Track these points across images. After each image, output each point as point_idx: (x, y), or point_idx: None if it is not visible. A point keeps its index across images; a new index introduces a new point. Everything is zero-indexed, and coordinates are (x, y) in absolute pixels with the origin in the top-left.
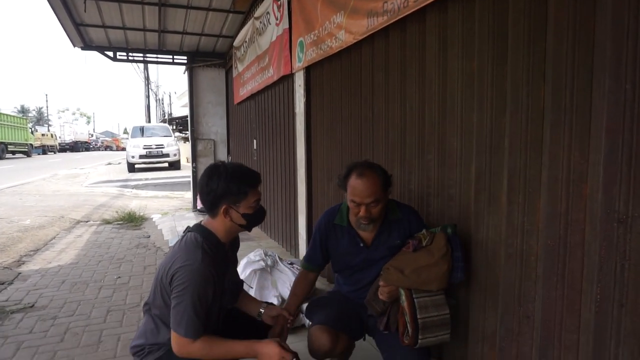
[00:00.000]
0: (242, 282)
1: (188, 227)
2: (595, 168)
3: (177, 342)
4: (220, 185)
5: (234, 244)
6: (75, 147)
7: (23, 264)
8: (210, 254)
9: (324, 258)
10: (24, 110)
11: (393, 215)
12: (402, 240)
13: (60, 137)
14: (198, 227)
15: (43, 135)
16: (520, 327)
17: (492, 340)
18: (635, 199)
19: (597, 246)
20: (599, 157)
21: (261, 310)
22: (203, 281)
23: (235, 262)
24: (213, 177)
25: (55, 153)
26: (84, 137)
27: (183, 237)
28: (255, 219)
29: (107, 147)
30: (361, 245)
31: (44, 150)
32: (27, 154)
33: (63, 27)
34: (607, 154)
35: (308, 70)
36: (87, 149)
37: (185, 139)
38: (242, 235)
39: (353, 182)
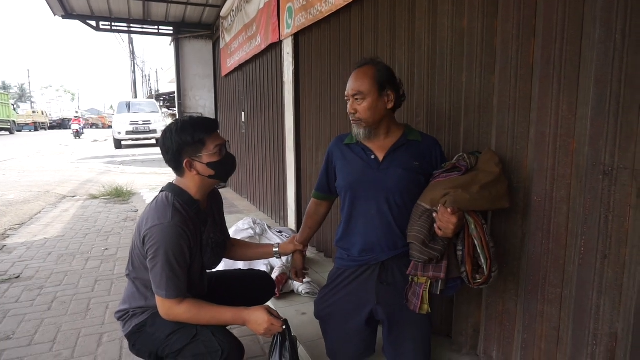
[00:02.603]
0: (224, 242)
1: (162, 187)
2: (583, 122)
3: (162, 305)
4: (174, 140)
5: (214, 201)
6: (62, 124)
7: (8, 237)
8: (182, 212)
9: (330, 183)
10: (5, 87)
11: (413, 137)
12: (420, 164)
13: (49, 115)
14: (170, 186)
15: (34, 112)
16: (506, 284)
17: (478, 298)
18: (621, 150)
19: (583, 199)
20: (586, 110)
21: (275, 249)
22: (175, 239)
23: (217, 220)
24: (166, 134)
25: (46, 130)
26: (71, 115)
27: (155, 197)
28: (223, 166)
29: (93, 125)
30: (372, 157)
31: (36, 127)
32: (10, 131)
33: None
34: (595, 106)
35: (296, 36)
36: None
37: (173, 116)
38: (231, 208)
39: (352, 74)
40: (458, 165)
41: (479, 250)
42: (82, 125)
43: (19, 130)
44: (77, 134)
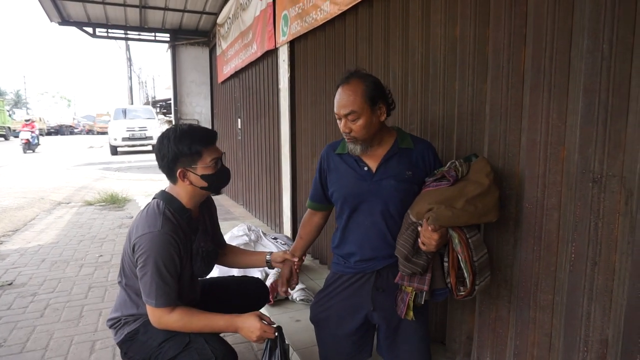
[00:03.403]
0: (215, 251)
1: (155, 194)
2: (573, 130)
3: (152, 314)
4: (171, 148)
5: (206, 209)
6: (60, 130)
7: (1, 243)
8: (172, 220)
9: (325, 192)
10: (0, 93)
11: (404, 144)
12: (413, 173)
13: (47, 122)
14: (161, 194)
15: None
16: (499, 291)
17: (471, 305)
18: (609, 158)
19: (573, 206)
20: (576, 119)
21: (267, 257)
22: (165, 247)
23: (208, 229)
24: (163, 141)
25: (43, 136)
26: (68, 121)
27: (147, 204)
28: (217, 179)
29: (89, 131)
30: (365, 169)
31: None
32: (5, 137)
33: None
34: (584, 114)
35: (292, 44)
36: (72, 133)
37: (169, 122)
38: (227, 214)
39: (337, 91)
40: (447, 175)
41: (462, 265)
42: (35, 133)
43: (16, 137)
44: (28, 146)
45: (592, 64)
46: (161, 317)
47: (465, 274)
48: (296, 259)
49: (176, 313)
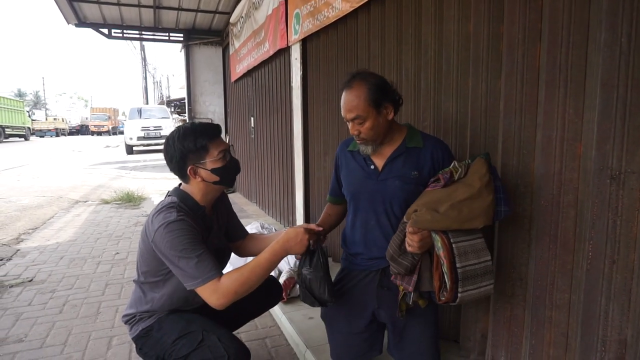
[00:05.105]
0: (228, 248)
1: (168, 191)
2: (590, 125)
3: (206, 293)
4: (177, 147)
5: (220, 208)
6: (81, 130)
7: (21, 241)
8: (185, 213)
9: (341, 189)
10: (20, 94)
11: (413, 143)
12: (420, 173)
13: (69, 122)
14: (175, 190)
15: (55, 119)
16: (514, 289)
17: (485, 303)
18: (628, 154)
19: (590, 204)
20: (593, 114)
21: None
22: (185, 228)
23: (221, 226)
24: (169, 142)
25: (65, 136)
26: (88, 122)
27: (161, 201)
28: (228, 171)
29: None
30: (372, 167)
31: (57, 133)
32: (25, 137)
33: (56, 2)
34: (601, 109)
35: (304, 42)
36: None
37: (184, 121)
38: (240, 212)
39: (342, 95)
40: (441, 177)
41: (444, 269)
42: None
43: (42, 136)
44: None
45: (610, 58)
46: (215, 290)
47: (446, 279)
48: (321, 229)
49: (224, 278)
